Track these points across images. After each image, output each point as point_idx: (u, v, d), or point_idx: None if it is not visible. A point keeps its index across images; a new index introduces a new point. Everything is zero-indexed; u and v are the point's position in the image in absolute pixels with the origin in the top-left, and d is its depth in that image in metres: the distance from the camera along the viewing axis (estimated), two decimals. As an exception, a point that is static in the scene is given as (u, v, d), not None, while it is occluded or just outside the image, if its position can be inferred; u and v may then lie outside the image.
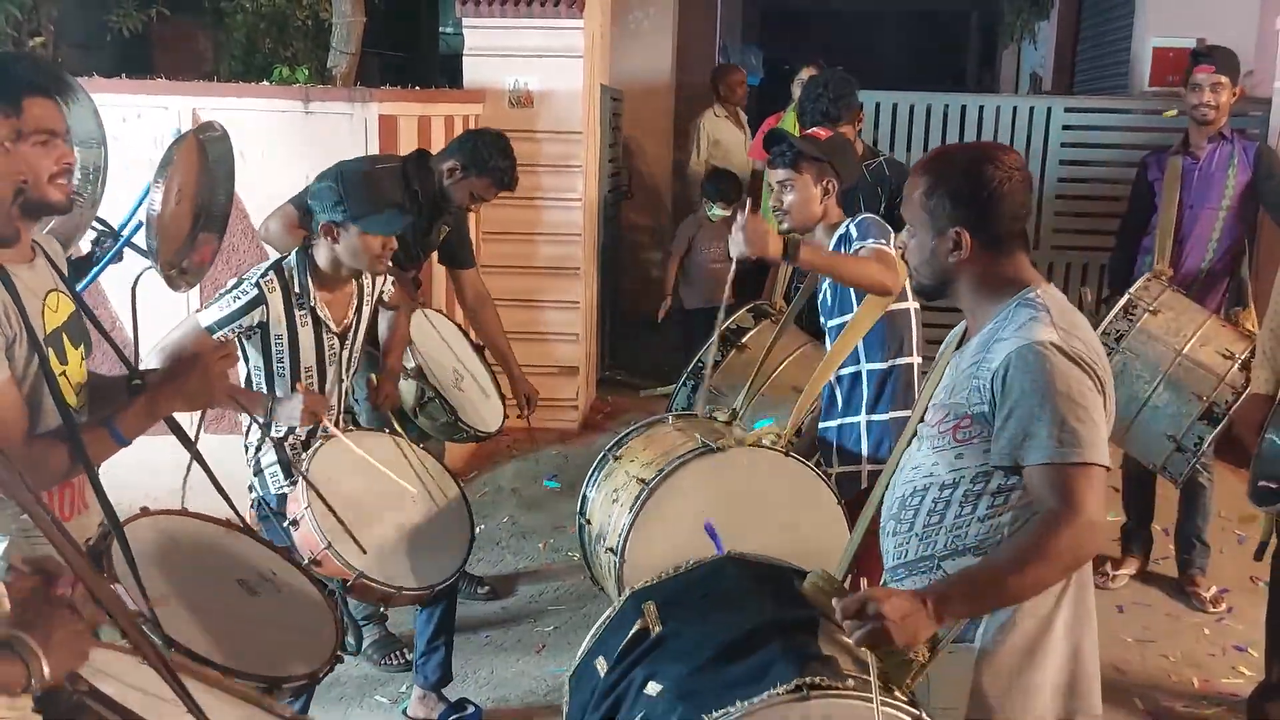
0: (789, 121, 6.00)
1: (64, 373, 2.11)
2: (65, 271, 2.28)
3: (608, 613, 2.18)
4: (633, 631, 2.02)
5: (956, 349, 2.08)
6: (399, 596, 2.95)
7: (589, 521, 3.19)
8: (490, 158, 3.81)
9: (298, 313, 3.10)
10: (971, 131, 6.37)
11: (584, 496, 3.24)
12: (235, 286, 3.07)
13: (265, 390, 3.14)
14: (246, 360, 3.15)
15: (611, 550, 2.88)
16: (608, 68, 6.64)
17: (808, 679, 1.75)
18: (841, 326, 3.25)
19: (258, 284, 3.05)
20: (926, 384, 2.16)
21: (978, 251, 1.98)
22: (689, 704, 1.80)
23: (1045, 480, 1.85)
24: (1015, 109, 6.42)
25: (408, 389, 3.70)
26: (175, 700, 1.52)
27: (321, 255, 3.12)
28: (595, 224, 6.31)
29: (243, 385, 3.17)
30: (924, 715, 1.78)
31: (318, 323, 3.14)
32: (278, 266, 3.12)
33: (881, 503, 2.14)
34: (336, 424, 3.18)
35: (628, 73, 7.67)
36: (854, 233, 3.14)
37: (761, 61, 11.90)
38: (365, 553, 2.88)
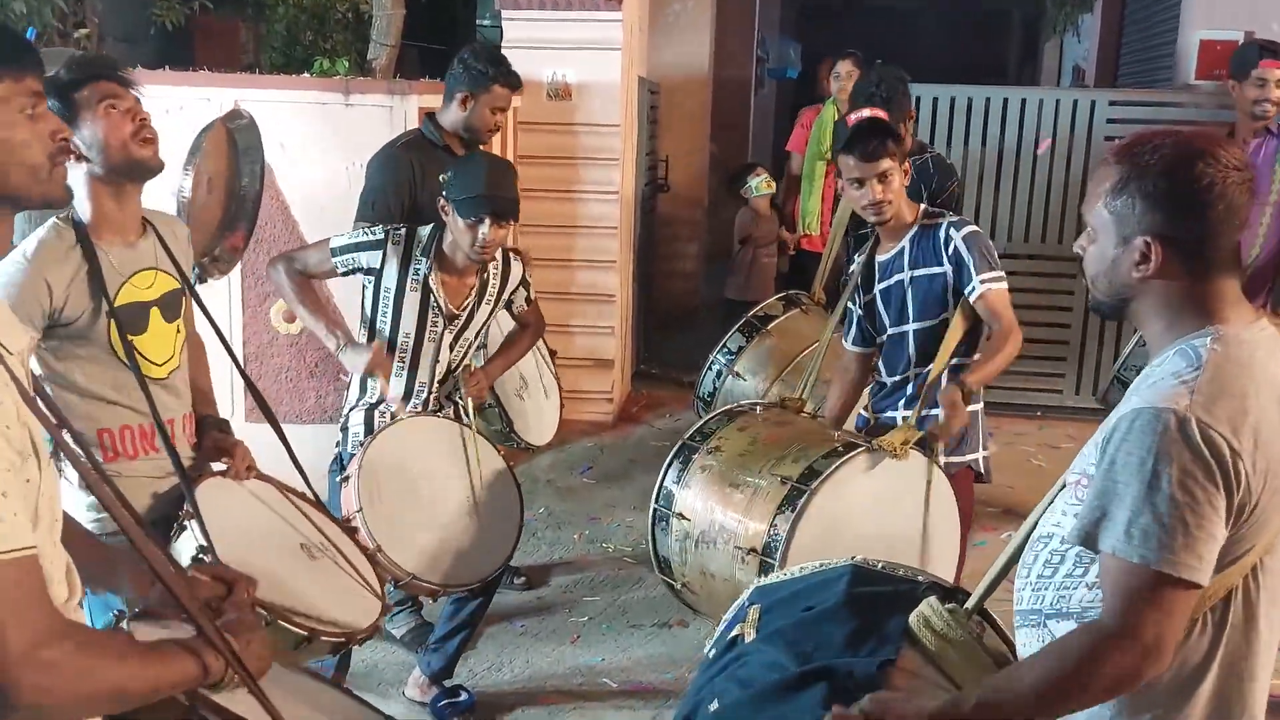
0: (828, 115, 5.98)
1: (126, 341, 2.37)
2: (178, 255, 2.53)
3: (736, 601, 2.05)
4: (731, 635, 1.92)
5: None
6: (411, 584, 2.99)
7: (683, 517, 2.99)
8: (486, 69, 3.75)
9: (410, 277, 3.18)
10: (1013, 126, 6.30)
11: (667, 492, 3.05)
12: (371, 226, 3.25)
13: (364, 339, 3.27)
14: (364, 306, 3.27)
15: (755, 551, 2.75)
16: (645, 60, 6.64)
17: None
18: (901, 336, 3.20)
19: (387, 232, 3.20)
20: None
21: (1170, 269, 1.61)
22: None
23: (1109, 575, 1.56)
24: (1058, 102, 6.34)
25: None
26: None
27: (446, 236, 3.20)
28: (632, 217, 6.31)
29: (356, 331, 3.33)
30: None
31: (426, 295, 3.20)
32: (411, 230, 3.24)
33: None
34: (427, 404, 3.26)
35: (666, 65, 7.67)
36: (963, 251, 3.06)
37: (799, 55, 11.85)
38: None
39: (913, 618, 1.79)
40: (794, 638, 1.83)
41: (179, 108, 4.39)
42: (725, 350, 4.09)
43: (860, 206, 3.16)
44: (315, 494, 2.73)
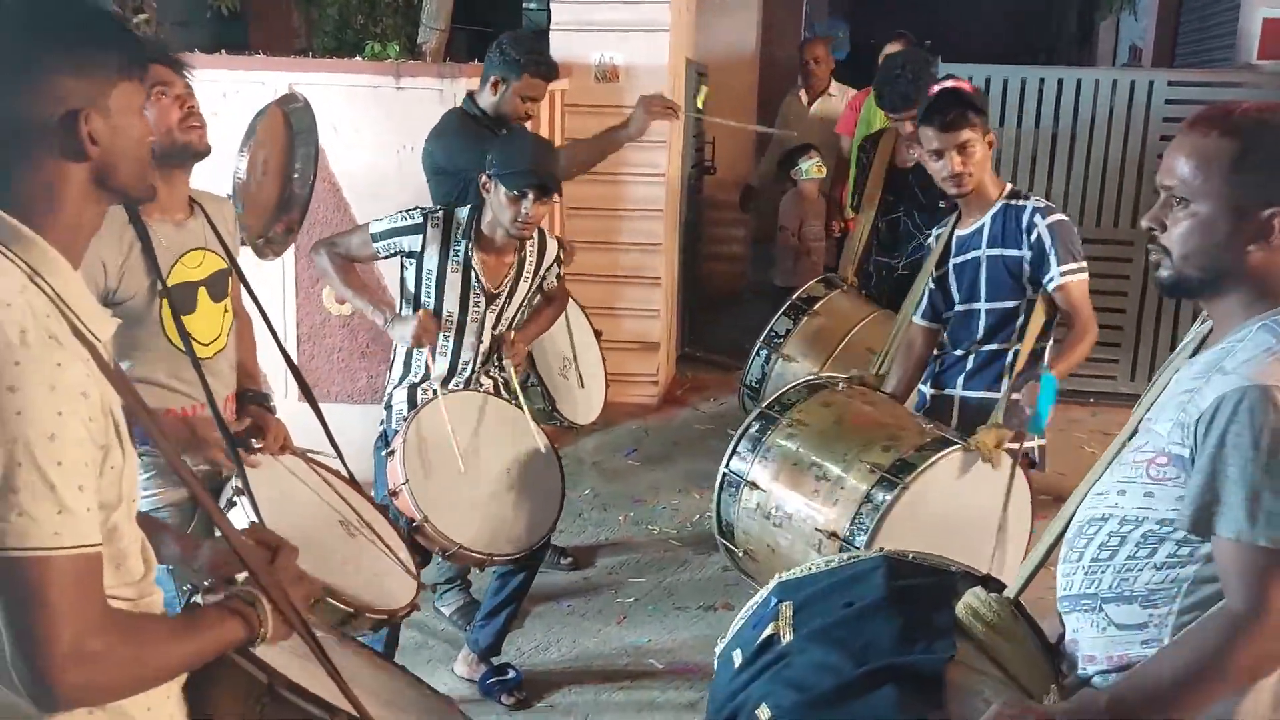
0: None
1: (179, 320, 2.39)
2: (224, 236, 2.56)
3: (754, 599, 1.99)
4: (764, 635, 1.84)
5: (1191, 355, 1.75)
6: (458, 554, 3.03)
7: (756, 487, 2.93)
8: (519, 57, 3.76)
9: (451, 259, 3.21)
10: (1068, 107, 6.20)
11: (740, 458, 2.99)
12: (410, 209, 3.26)
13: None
14: (403, 288, 3.31)
15: (836, 536, 2.72)
16: (693, 42, 6.61)
17: None
18: (970, 313, 3.18)
19: (425, 214, 3.23)
20: (1145, 395, 1.85)
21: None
22: None
23: (1232, 561, 1.53)
24: (1115, 83, 6.23)
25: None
26: (306, 655, 1.59)
27: (485, 214, 3.23)
28: (678, 200, 6.30)
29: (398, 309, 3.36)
30: None
31: (468, 275, 3.24)
32: (449, 210, 3.27)
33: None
34: (469, 382, 3.32)
35: (713, 46, 7.63)
36: (1046, 239, 3.02)
37: (848, 36, 11.73)
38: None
39: (960, 609, 1.78)
40: (842, 636, 1.79)
41: (235, 91, 4.45)
42: (772, 335, 4.07)
43: (940, 179, 3.12)
44: (350, 473, 2.74)
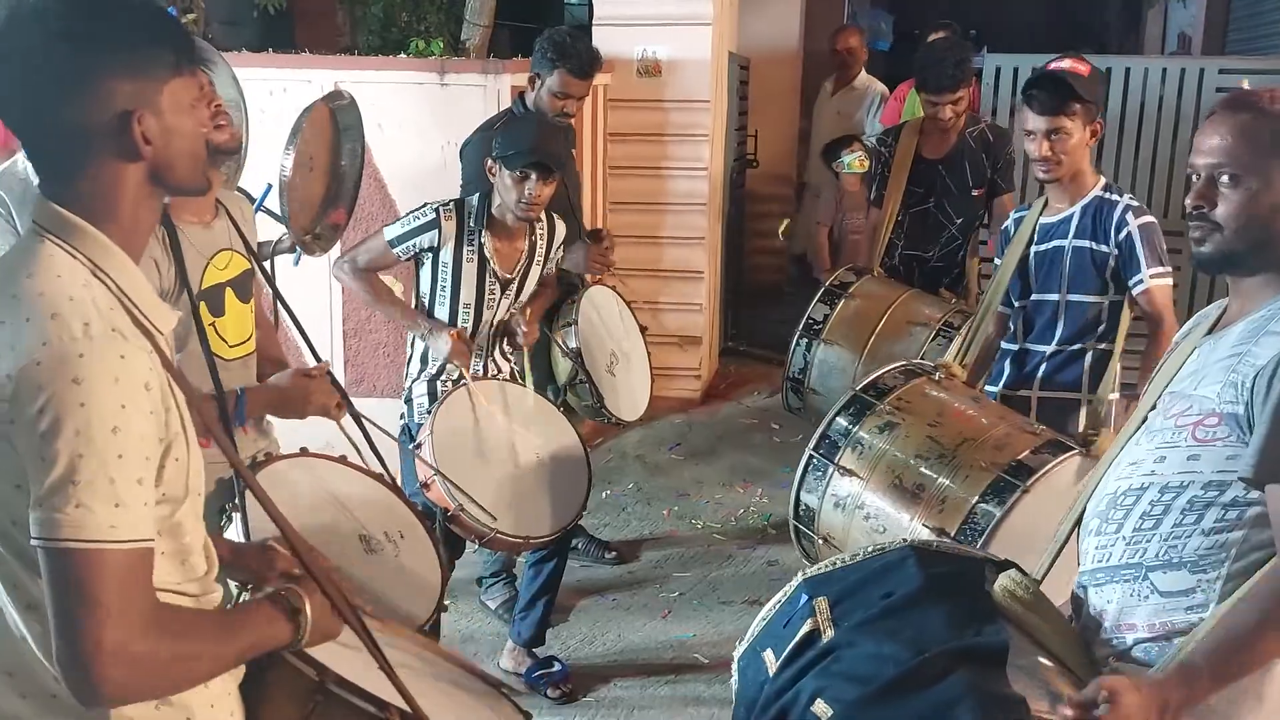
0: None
1: (213, 324, 2.36)
2: (247, 234, 2.51)
3: (777, 597, 1.93)
4: (803, 632, 1.78)
5: (1208, 333, 1.83)
6: (494, 539, 3.05)
7: (852, 474, 2.81)
8: (554, 51, 3.78)
9: (466, 248, 3.24)
10: (1116, 96, 6.10)
11: (831, 442, 2.86)
12: (418, 209, 3.27)
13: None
14: (418, 285, 3.33)
15: (944, 532, 2.60)
16: (736, 35, 6.59)
17: None
18: (1046, 304, 3.14)
19: (436, 210, 3.23)
20: (1159, 370, 1.90)
21: None
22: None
23: None
24: (1165, 71, 6.12)
25: (564, 367, 3.80)
26: (356, 648, 1.60)
27: (495, 200, 3.25)
28: (720, 193, 6.29)
29: (412, 307, 3.38)
30: None
31: (483, 263, 3.26)
32: (460, 201, 3.29)
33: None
34: (486, 369, 3.35)
35: (755, 39, 7.59)
36: (1137, 240, 2.98)
37: (891, 27, 11.63)
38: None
39: (997, 591, 1.80)
40: (891, 626, 1.76)
41: (281, 89, 4.49)
42: (811, 323, 4.04)
43: (1031, 160, 3.09)
44: (390, 475, 2.67)
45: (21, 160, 3.37)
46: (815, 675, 1.73)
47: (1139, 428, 1.84)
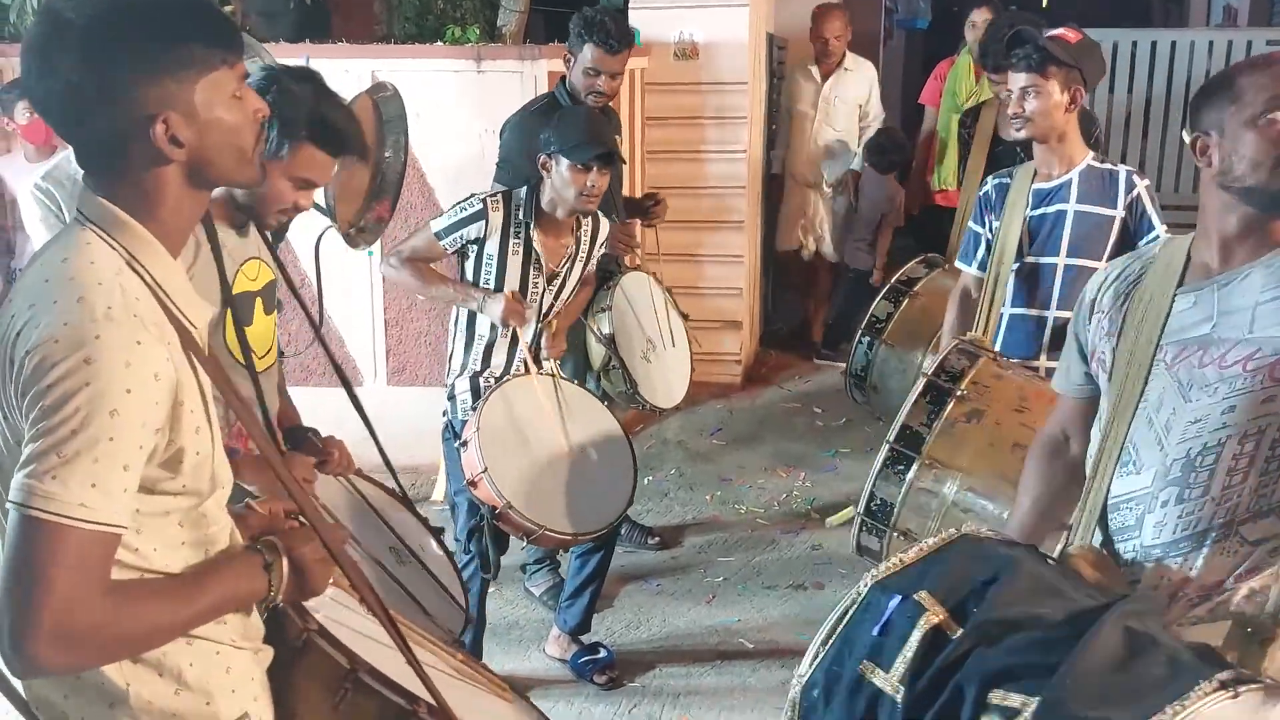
0: (962, 66, 5.79)
1: (241, 333, 2.28)
2: (271, 242, 2.46)
3: (844, 606, 1.71)
4: (922, 633, 1.58)
5: (1181, 284, 1.81)
6: (543, 536, 3.04)
7: (942, 465, 2.67)
8: (584, 26, 3.76)
9: (512, 240, 3.22)
10: (1162, 70, 6.01)
11: (914, 433, 2.72)
12: (464, 200, 3.26)
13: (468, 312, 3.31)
14: (462, 277, 3.31)
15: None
16: (772, 16, 6.53)
17: (1225, 675, 1.42)
18: (1041, 267, 3.11)
19: (483, 201, 3.22)
20: (1133, 325, 1.85)
21: None
22: (1086, 711, 1.42)
23: None
24: (1211, 44, 6.02)
25: (598, 353, 3.79)
26: (385, 643, 1.59)
27: (545, 193, 3.23)
28: (759, 176, 6.24)
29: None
30: None
31: (529, 255, 3.24)
32: (507, 193, 3.27)
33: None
34: (526, 364, 3.31)
35: (792, 21, 7.51)
36: (1146, 201, 3.02)
37: (930, 5, 11.48)
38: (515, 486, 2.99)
39: (1069, 559, 1.79)
40: (1026, 604, 1.60)
41: (319, 80, 4.50)
42: (874, 320, 3.98)
43: (1010, 117, 3.15)
44: (404, 492, 2.64)
45: (72, 156, 3.42)
46: (969, 671, 1.52)
47: (1143, 387, 1.80)
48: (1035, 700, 1.42)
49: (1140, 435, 1.81)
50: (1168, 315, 1.81)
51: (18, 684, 1.41)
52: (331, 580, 1.56)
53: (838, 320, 6.31)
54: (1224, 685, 1.40)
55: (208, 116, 1.39)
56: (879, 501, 2.84)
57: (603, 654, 3.49)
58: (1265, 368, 1.69)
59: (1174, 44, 6.05)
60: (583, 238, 3.37)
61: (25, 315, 1.33)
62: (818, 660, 1.67)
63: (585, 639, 3.54)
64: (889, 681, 1.57)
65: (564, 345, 3.52)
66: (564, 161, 3.14)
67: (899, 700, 1.55)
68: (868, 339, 3.96)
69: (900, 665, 1.56)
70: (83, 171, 1.43)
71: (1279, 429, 1.69)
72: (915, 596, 1.63)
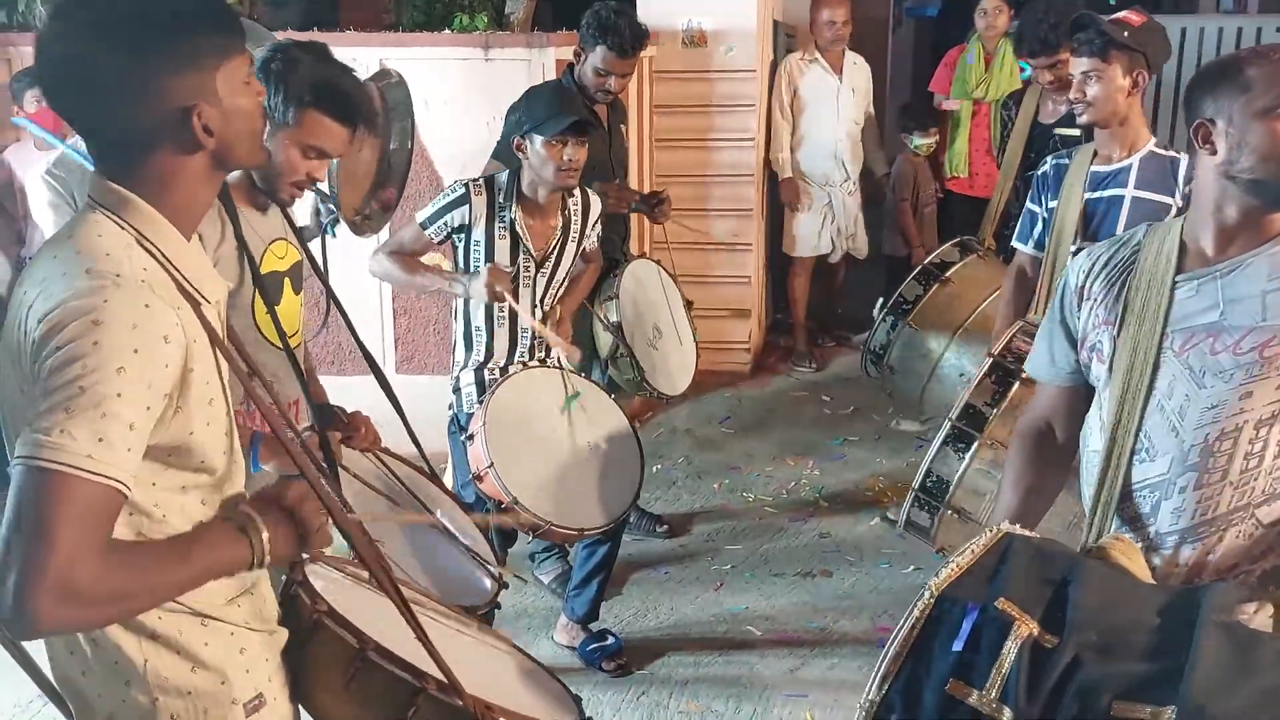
0: (971, 55, 5.77)
1: (272, 311, 2.30)
2: (296, 224, 2.48)
3: (910, 621, 1.53)
4: (1018, 646, 1.46)
5: (1178, 271, 1.81)
6: (548, 531, 3.04)
7: (999, 443, 2.62)
8: (598, 27, 3.75)
9: (498, 224, 3.21)
10: (1172, 56, 5.96)
11: (977, 412, 2.65)
12: (449, 187, 3.27)
13: (463, 304, 3.31)
14: (455, 267, 3.31)
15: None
16: (781, 3, 6.51)
17: None
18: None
19: (466, 185, 3.22)
20: (1133, 314, 1.84)
21: None
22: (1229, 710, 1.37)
23: None
24: (1221, 30, 5.98)
25: (605, 341, 3.79)
26: (397, 622, 1.61)
27: (524, 177, 3.22)
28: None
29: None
30: None
31: (516, 240, 3.23)
32: (490, 178, 3.27)
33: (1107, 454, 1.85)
34: (532, 351, 3.32)
35: (800, 8, 7.47)
36: None
37: (939, -9, 11.41)
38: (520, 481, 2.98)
39: (1104, 550, 1.76)
40: (1114, 607, 1.55)
41: (327, 68, 4.50)
42: (900, 301, 3.94)
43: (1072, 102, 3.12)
44: (431, 467, 2.66)
45: (81, 145, 3.42)
46: (1079, 685, 1.43)
47: (1152, 376, 1.79)
48: (1168, 709, 1.35)
49: (1153, 423, 1.81)
50: (1169, 304, 1.81)
51: (44, 665, 1.42)
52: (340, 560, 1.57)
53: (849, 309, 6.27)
54: None
55: (230, 104, 1.42)
56: (935, 478, 2.82)
57: (611, 641, 3.50)
58: (1265, 360, 1.72)
59: (1184, 30, 6.02)
60: (572, 218, 3.35)
61: (36, 290, 1.35)
62: (889, 682, 1.51)
63: (594, 627, 3.56)
64: (986, 702, 1.44)
65: (570, 330, 3.52)
66: (537, 139, 3.13)
67: (985, 709, 1.44)
68: (892, 318, 3.94)
69: (998, 682, 1.44)
70: (96, 160, 1.44)
71: None
72: (997, 605, 1.50)
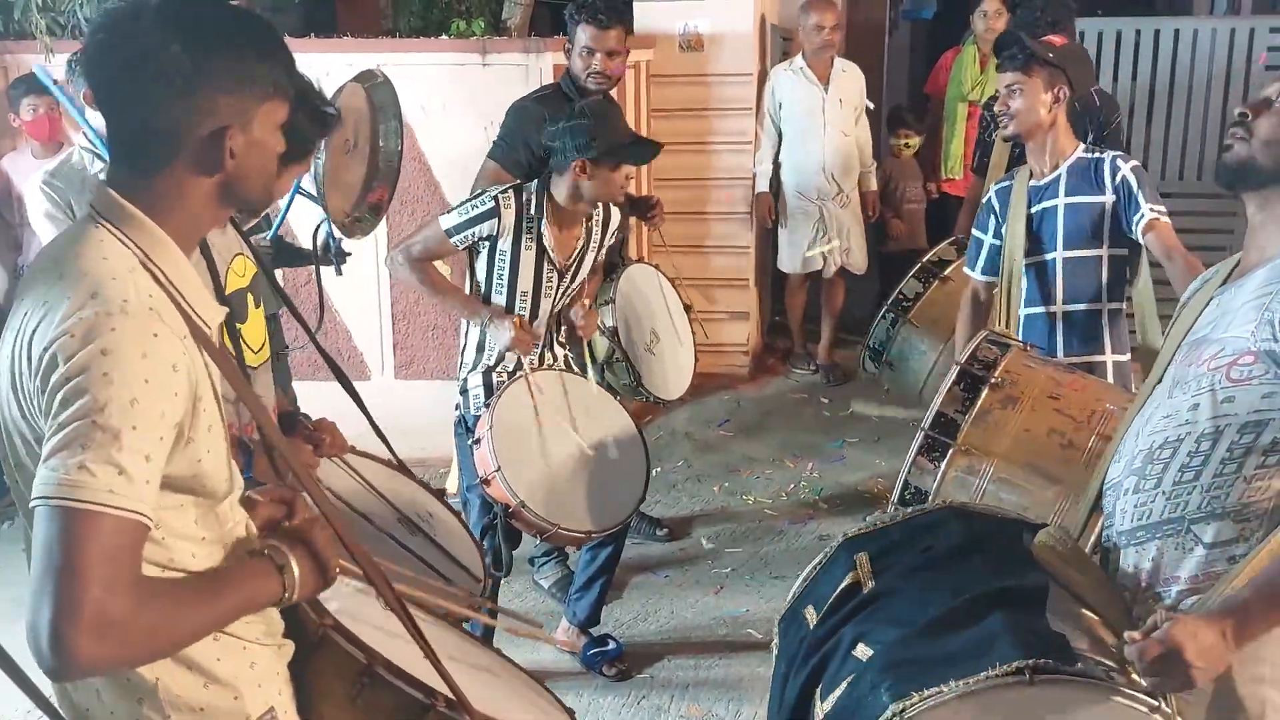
0: (968, 56, 5.79)
1: (240, 330, 2.27)
2: (246, 235, 2.43)
3: (818, 559, 2.02)
4: (843, 585, 1.87)
5: (1222, 284, 1.83)
6: (556, 534, 3.05)
7: (979, 453, 2.65)
8: (574, 6, 3.76)
9: (525, 236, 3.21)
10: (1165, 59, 6.00)
11: (949, 420, 2.68)
12: (476, 197, 3.24)
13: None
14: (473, 273, 3.30)
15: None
16: (777, 7, 6.52)
17: (1032, 660, 1.55)
18: (1040, 265, 3.14)
19: (495, 198, 3.19)
20: (1173, 325, 1.91)
21: None
22: (898, 674, 1.64)
23: None
24: (1214, 32, 6.00)
25: (601, 345, 3.79)
26: (402, 636, 1.60)
27: (561, 190, 3.19)
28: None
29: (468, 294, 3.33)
30: (1163, 704, 1.58)
31: (541, 251, 3.23)
32: (518, 188, 3.23)
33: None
34: (542, 358, 3.32)
35: (796, 12, 7.50)
36: (1132, 180, 3.02)
37: (934, -5, 11.43)
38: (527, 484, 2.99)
39: (1035, 546, 1.83)
40: (933, 575, 1.83)
41: (325, 74, 4.46)
42: (900, 298, 3.97)
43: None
44: (400, 461, 2.61)
45: (77, 154, 3.42)
46: (856, 623, 1.80)
47: (1159, 382, 1.84)
48: (871, 653, 1.72)
49: (1131, 427, 1.87)
50: (1197, 316, 1.83)
51: (44, 685, 1.41)
52: (340, 570, 1.56)
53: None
54: (1019, 671, 1.54)
55: (259, 138, 1.43)
56: (913, 490, 2.80)
57: (612, 646, 3.51)
58: (1223, 367, 1.69)
59: (1177, 32, 6.03)
60: (594, 228, 3.36)
61: (40, 312, 1.33)
62: (791, 602, 2.01)
63: (594, 631, 3.56)
64: (812, 622, 1.88)
65: (595, 325, 3.52)
66: (605, 165, 3.11)
67: (810, 627, 1.87)
68: (892, 315, 3.96)
69: (822, 611, 1.87)
70: (105, 167, 1.44)
71: (1236, 431, 1.67)
72: (858, 555, 1.91)
